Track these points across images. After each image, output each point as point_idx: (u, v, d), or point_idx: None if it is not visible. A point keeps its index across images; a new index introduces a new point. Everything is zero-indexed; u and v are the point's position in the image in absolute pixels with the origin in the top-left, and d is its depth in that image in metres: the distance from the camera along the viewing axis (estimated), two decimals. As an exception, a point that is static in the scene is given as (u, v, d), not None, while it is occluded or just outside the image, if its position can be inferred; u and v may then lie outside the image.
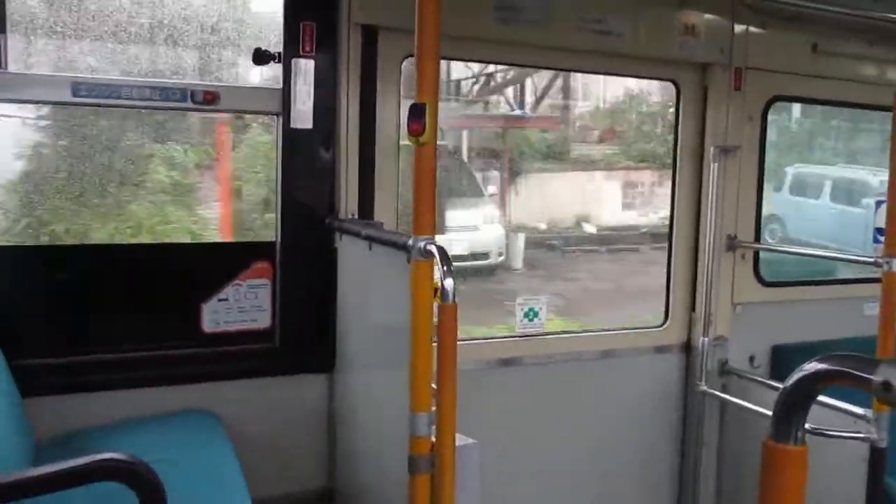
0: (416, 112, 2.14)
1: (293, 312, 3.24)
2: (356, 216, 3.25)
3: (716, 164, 3.91)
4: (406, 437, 2.24)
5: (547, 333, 3.79)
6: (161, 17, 3.15)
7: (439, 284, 2.16)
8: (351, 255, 3.08)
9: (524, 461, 3.67)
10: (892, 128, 3.21)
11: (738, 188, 4.02)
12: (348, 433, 3.17)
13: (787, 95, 4.24)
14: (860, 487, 3.27)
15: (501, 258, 10.76)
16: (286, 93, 3.12)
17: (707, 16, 3.82)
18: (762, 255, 4.23)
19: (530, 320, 3.74)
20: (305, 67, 3.12)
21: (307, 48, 3.11)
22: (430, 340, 2.21)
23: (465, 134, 12.28)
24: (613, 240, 12.31)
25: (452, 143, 11.81)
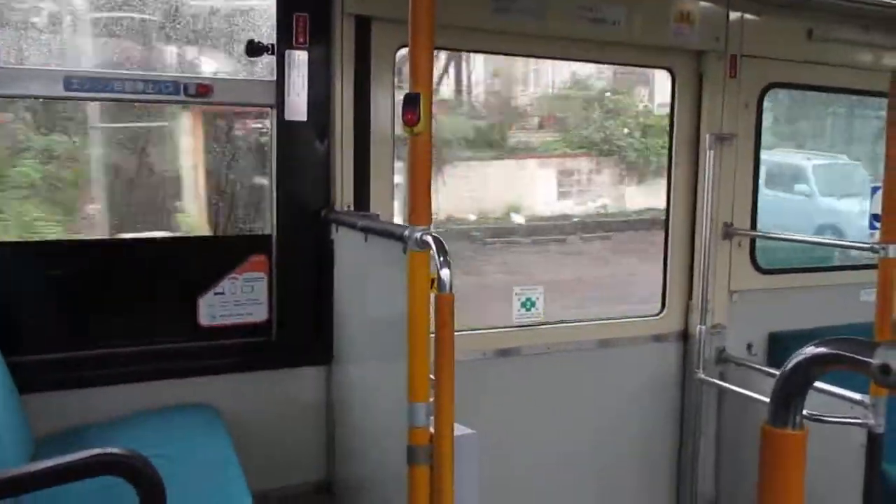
0: (411, 102, 2.14)
1: (290, 305, 3.24)
2: (352, 208, 3.24)
3: (711, 152, 3.91)
4: (404, 428, 2.24)
5: (544, 323, 3.79)
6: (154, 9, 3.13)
7: (436, 275, 2.16)
8: (347, 247, 3.07)
9: (523, 451, 3.68)
10: (887, 113, 3.20)
11: (734, 176, 4.02)
12: (347, 425, 3.17)
13: (783, 82, 4.24)
14: (858, 473, 3.28)
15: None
16: (280, 85, 3.10)
17: (702, 3, 3.81)
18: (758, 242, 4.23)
19: (527, 310, 3.74)
20: (299, 59, 3.10)
21: (301, 40, 3.09)
22: (427, 330, 2.21)
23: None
24: (542, 230, 11.81)
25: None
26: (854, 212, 9.52)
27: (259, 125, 3.41)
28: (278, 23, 3.08)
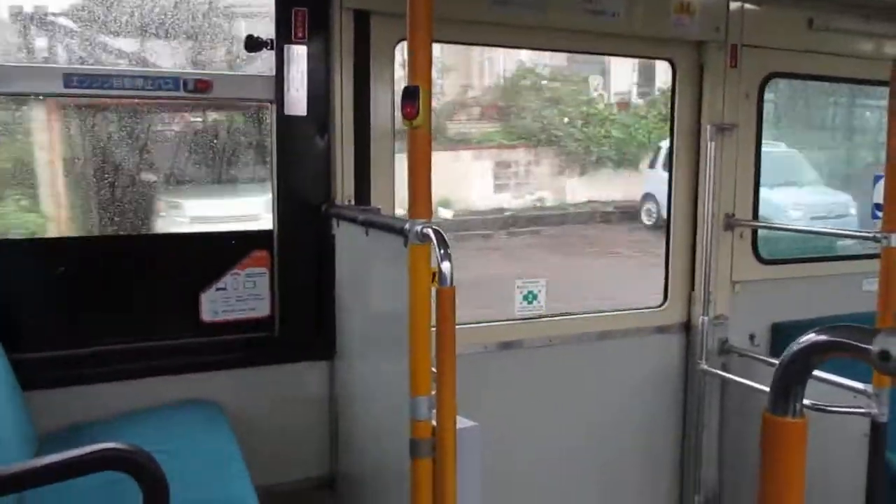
0: (410, 95, 2.13)
1: (292, 300, 3.24)
2: (352, 202, 3.24)
3: (713, 143, 3.90)
4: (407, 422, 2.24)
5: (546, 316, 3.79)
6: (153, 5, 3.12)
7: (437, 268, 2.16)
8: (348, 241, 3.07)
9: (525, 443, 3.68)
10: (888, 102, 3.19)
11: (736, 166, 4.01)
12: (349, 419, 3.18)
13: (784, 72, 4.22)
14: (861, 463, 3.28)
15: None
16: (279, 80, 3.10)
17: None
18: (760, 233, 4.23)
19: (529, 303, 3.74)
20: (298, 54, 3.10)
21: (299, 34, 3.09)
22: (428, 324, 2.21)
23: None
24: (469, 226, 11.50)
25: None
26: (788, 203, 9.39)
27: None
28: (277, 18, 3.08)
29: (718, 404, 4.08)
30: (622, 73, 13.39)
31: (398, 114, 2.30)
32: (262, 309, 3.23)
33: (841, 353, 1.32)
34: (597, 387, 3.89)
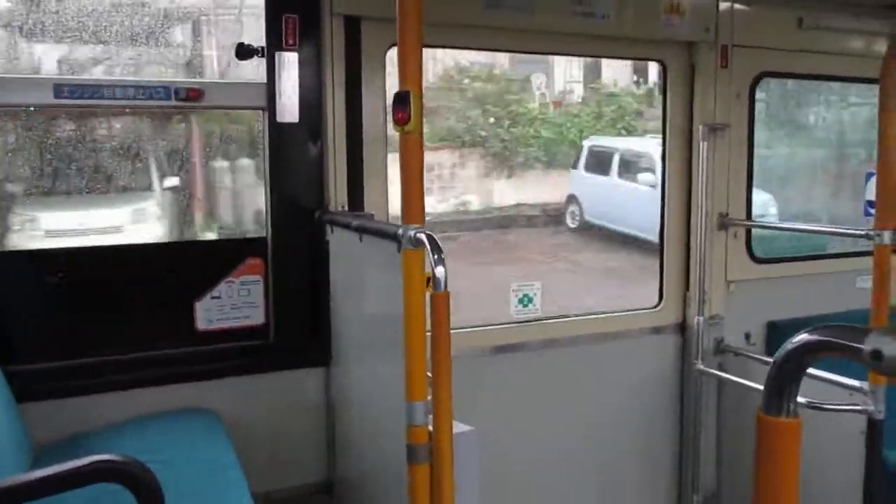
0: (401, 101, 2.13)
1: (287, 307, 3.24)
2: (346, 208, 3.24)
3: (705, 143, 3.91)
4: (404, 427, 2.24)
5: (541, 319, 3.79)
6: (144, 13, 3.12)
7: (431, 273, 2.16)
8: (342, 247, 3.07)
9: (522, 446, 3.68)
10: (879, 100, 3.21)
11: (728, 166, 4.02)
12: (346, 425, 3.17)
13: (774, 71, 4.24)
14: (858, 460, 3.29)
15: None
16: (271, 87, 3.10)
17: None
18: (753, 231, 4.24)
19: (524, 306, 3.75)
20: (289, 61, 3.10)
21: (290, 41, 3.09)
22: (423, 329, 2.21)
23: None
24: None
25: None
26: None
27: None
28: (267, 25, 3.08)
29: (715, 404, 4.08)
30: (568, 71, 13.14)
31: (390, 119, 2.30)
32: (257, 316, 3.22)
33: (833, 352, 1.32)
34: (593, 389, 3.90)
